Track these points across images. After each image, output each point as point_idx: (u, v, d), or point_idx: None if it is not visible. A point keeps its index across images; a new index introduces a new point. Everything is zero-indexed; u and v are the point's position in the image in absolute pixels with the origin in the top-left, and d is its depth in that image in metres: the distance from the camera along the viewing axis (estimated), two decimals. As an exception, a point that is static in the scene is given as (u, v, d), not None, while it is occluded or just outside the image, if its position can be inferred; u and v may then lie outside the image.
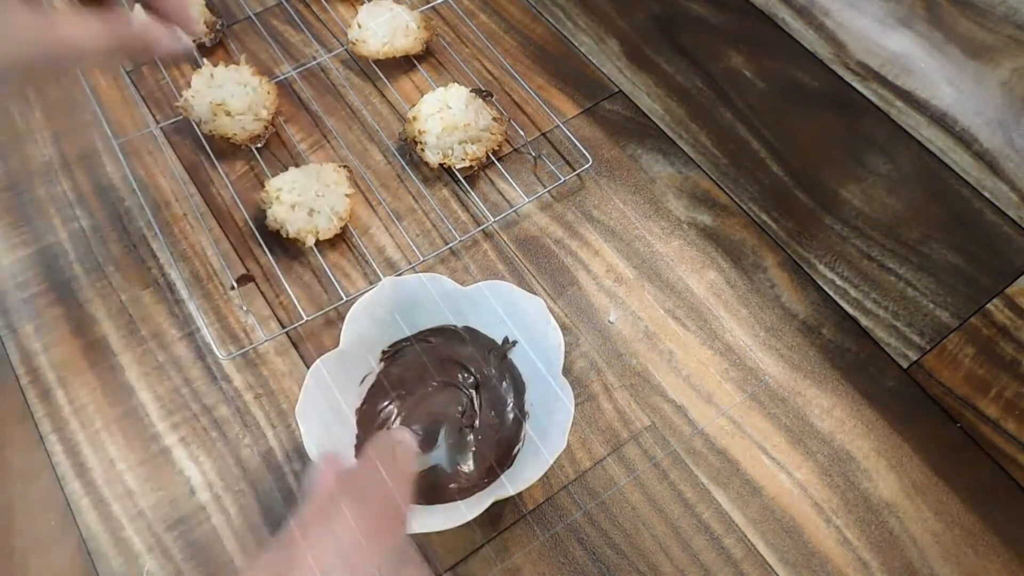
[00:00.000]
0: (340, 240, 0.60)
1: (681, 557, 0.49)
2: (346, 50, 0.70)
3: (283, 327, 0.56)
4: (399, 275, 0.58)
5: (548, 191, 0.63)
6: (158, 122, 0.66)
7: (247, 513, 0.50)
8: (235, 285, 0.58)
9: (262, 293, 0.58)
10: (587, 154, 0.64)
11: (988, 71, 0.70)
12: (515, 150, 0.65)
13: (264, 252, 0.59)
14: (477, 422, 0.51)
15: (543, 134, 0.66)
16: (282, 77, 0.68)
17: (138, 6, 0.39)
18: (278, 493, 0.50)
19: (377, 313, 0.51)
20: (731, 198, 0.63)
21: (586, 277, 0.59)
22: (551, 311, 0.49)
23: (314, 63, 0.70)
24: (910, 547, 0.49)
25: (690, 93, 0.69)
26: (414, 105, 0.63)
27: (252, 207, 0.61)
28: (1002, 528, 0.50)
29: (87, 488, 0.51)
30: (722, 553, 0.49)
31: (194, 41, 0.68)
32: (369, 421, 0.50)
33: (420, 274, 0.52)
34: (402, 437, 0.40)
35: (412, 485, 0.38)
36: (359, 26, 0.68)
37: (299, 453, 0.51)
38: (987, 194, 0.63)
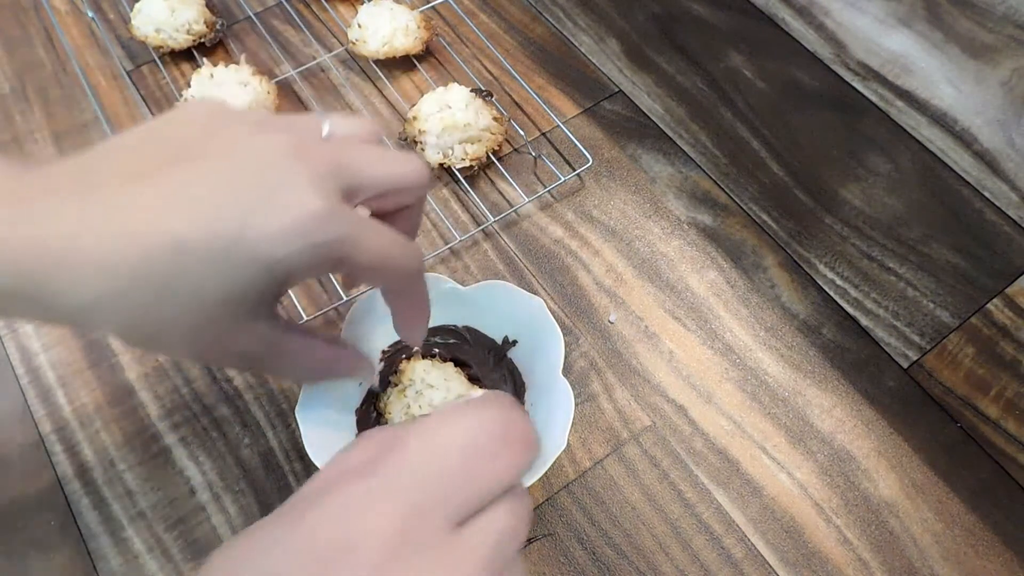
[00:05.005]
0: (340, 240, 0.60)
1: (681, 557, 0.49)
2: (346, 50, 0.70)
3: (283, 327, 0.56)
4: (399, 275, 0.57)
5: (548, 191, 0.63)
6: (158, 122, 0.66)
7: (247, 513, 0.50)
8: (235, 285, 0.58)
9: (262, 293, 0.58)
10: (587, 154, 0.64)
11: (988, 71, 0.70)
12: (515, 150, 0.65)
13: (264, 252, 0.59)
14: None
15: (543, 134, 0.66)
16: (282, 77, 0.68)
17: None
18: (278, 493, 0.50)
19: (377, 313, 0.51)
20: (731, 198, 0.63)
21: (586, 277, 0.59)
22: (551, 311, 0.49)
23: (314, 63, 0.70)
24: (910, 547, 0.49)
25: (690, 93, 0.69)
26: (414, 105, 0.63)
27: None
28: (1002, 528, 0.50)
29: (87, 488, 0.51)
30: (722, 553, 0.49)
31: (194, 41, 0.68)
32: (369, 421, 0.50)
33: (420, 274, 0.52)
34: None
35: None
36: (359, 26, 0.68)
37: (299, 453, 0.51)
38: (987, 194, 0.63)
